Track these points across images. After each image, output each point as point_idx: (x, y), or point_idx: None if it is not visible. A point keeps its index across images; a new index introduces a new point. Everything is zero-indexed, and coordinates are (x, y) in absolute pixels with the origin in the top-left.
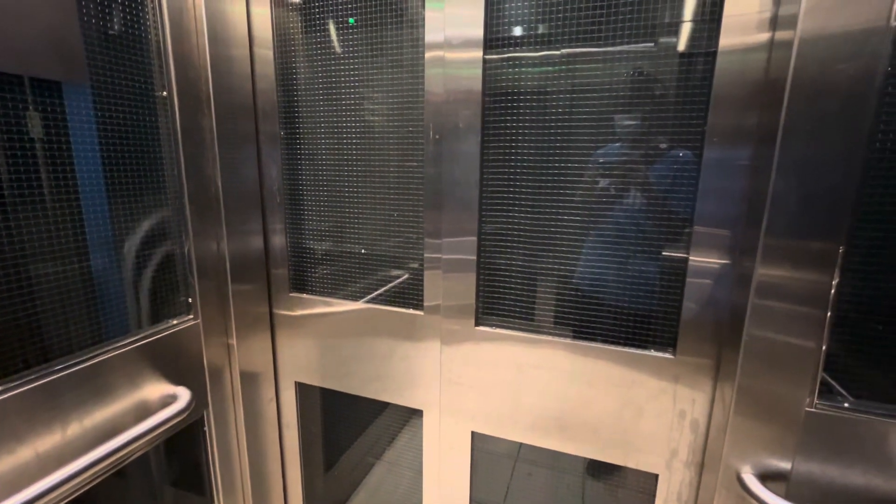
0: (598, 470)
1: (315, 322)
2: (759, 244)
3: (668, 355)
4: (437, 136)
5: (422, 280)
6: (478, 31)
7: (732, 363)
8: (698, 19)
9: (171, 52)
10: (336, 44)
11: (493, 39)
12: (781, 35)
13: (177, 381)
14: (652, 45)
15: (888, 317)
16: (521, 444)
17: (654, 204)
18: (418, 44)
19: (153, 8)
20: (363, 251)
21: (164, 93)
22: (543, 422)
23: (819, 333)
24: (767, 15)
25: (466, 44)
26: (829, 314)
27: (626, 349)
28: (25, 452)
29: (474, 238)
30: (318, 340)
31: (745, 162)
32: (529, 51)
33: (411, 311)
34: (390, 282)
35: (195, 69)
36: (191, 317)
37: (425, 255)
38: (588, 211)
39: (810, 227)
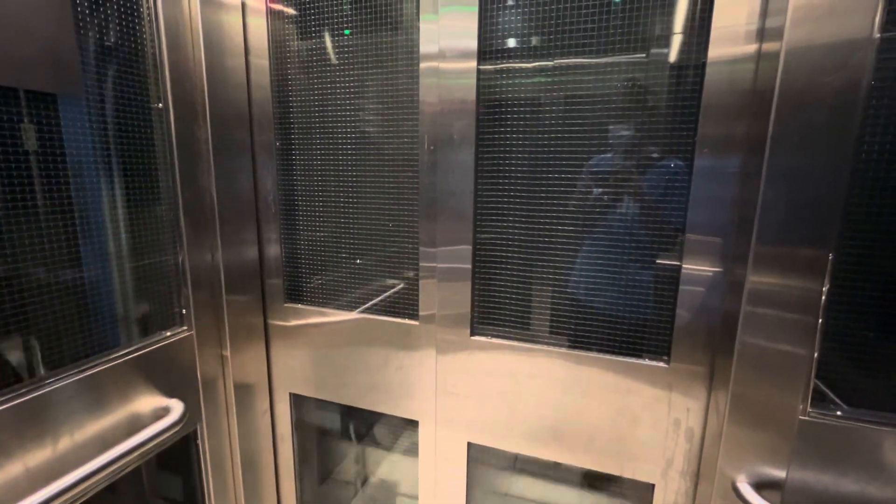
0: (595, 480)
1: (310, 332)
2: (750, 252)
3: (661, 364)
4: (432, 147)
5: (417, 289)
6: (472, 43)
7: (726, 371)
8: (688, 31)
9: (167, 63)
10: (331, 54)
11: (487, 50)
12: (768, 46)
13: (170, 393)
14: (643, 55)
15: (879, 324)
16: (516, 455)
17: (647, 213)
18: (413, 55)
19: (149, 20)
20: (358, 261)
21: (160, 104)
22: (539, 431)
23: (811, 341)
24: (755, 27)
25: (461, 55)
26: (820, 321)
27: (621, 358)
28: (15, 468)
29: (469, 247)
30: (312, 351)
31: (735, 171)
32: (523, 62)
33: (407, 320)
34: (385, 291)
35: (191, 80)
36: (184, 328)
37: (420, 264)
38: (582, 220)
39: (800, 234)
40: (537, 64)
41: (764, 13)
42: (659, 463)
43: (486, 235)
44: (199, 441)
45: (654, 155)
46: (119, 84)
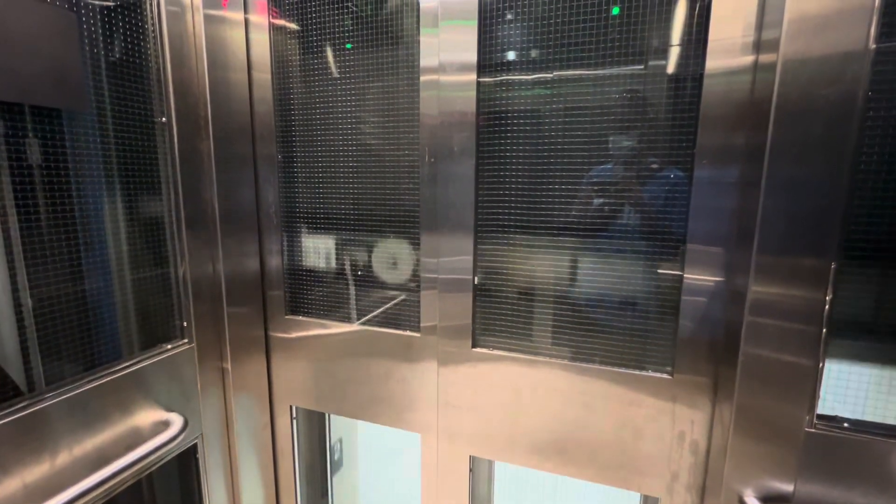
0: None
1: (311, 344)
2: (751, 262)
3: (665, 375)
4: (433, 160)
5: (418, 301)
6: (471, 56)
7: (730, 382)
8: (685, 43)
9: (170, 78)
10: (333, 68)
11: (487, 64)
12: (765, 58)
13: (169, 407)
14: (641, 67)
15: (884, 332)
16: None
17: (648, 223)
18: (414, 68)
19: (154, 36)
20: (360, 272)
21: (164, 118)
22: (542, 445)
23: (815, 351)
24: (751, 39)
25: (460, 67)
26: (824, 331)
27: (624, 369)
28: (12, 483)
29: (470, 258)
30: (313, 363)
31: (734, 181)
32: (522, 74)
33: (408, 332)
34: (387, 303)
35: (194, 95)
36: (185, 341)
37: (422, 275)
38: (583, 230)
39: (801, 244)
40: (537, 76)
41: (760, 26)
42: (664, 477)
43: (487, 246)
44: (198, 455)
45: (654, 165)
46: (123, 99)
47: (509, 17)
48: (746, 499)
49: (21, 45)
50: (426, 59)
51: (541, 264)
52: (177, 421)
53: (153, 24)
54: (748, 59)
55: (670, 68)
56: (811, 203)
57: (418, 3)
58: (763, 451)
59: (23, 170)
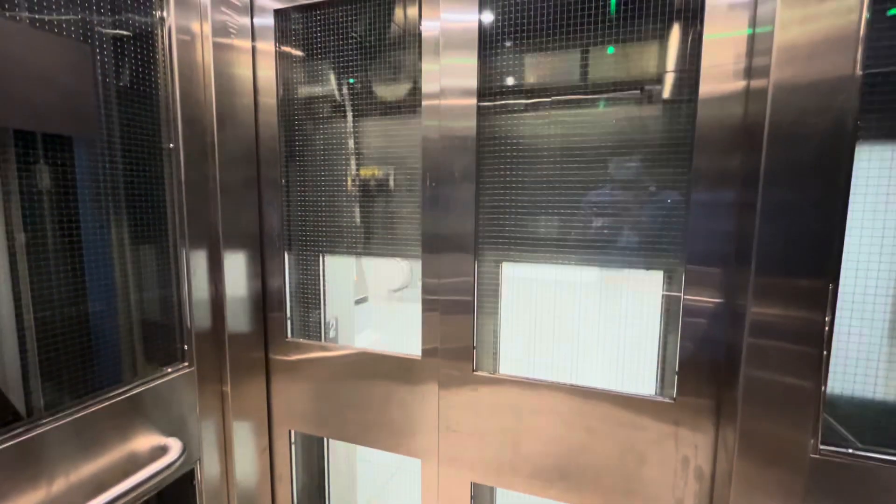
0: None
1: (311, 367)
2: (749, 283)
3: (667, 399)
4: (434, 184)
5: (419, 322)
6: (471, 82)
7: (732, 406)
8: (679, 70)
9: (179, 105)
10: (337, 93)
11: (486, 89)
12: (756, 84)
13: (168, 431)
14: (637, 92)
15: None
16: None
17: (647, 244)
18: (415, 94)
19: (164, 64)
20: (362, 295)
21: (171, 144)
22: (544, 470)
23: (817, 373)
24: (742, 66)
25: (461, 93)
26: (825, 353)
27: (626, 392)
28: None
29: (472, 279)
30: (313, 386)
31: (731, 203)
32: (522, 98)
33: (409, 355)
34: (389, 324)
35: (201, 121)
36: (185, 364)
37: (423, 296)
38: (582, 251)
39: (798, 266)
40: (535, 101)
41: (751, 53)
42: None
43: (487, 268)
44: (195, 481)
45: (651, 188)
46: (133, 126)
47: (508, 43)
48: None
49: (36, 76)
50: (427, 86)
51: (541, 285)
52: (175, 446)
53: (164, 53)
54: (740, 84)
55: (665, 94)
56: (807, 226)
57: (420, 31)
58: (768, 477)
59: (32, 195)
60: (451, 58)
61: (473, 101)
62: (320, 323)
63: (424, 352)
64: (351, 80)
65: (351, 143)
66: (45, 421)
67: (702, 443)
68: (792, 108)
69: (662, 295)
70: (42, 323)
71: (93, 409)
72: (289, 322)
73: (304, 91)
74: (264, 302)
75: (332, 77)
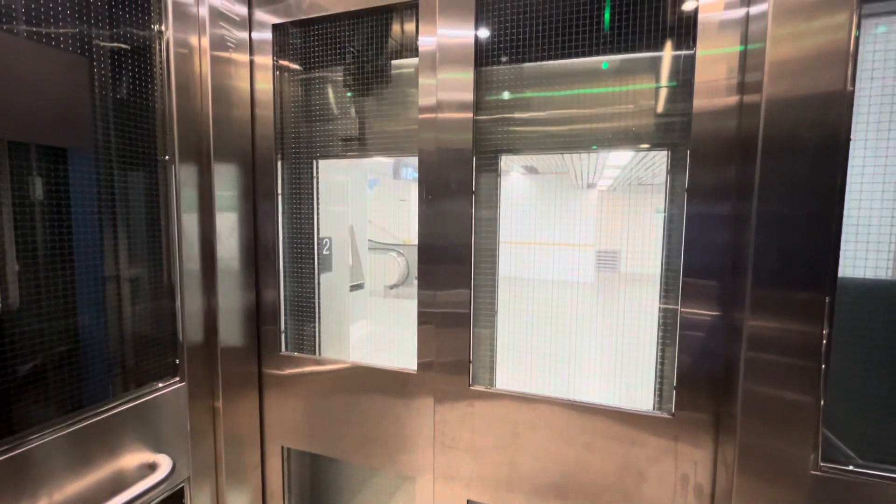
0: None
1: (305, 382)
2: (746, 296)
3: (665, 414)
4: (430, 196)
5: (414, 335)
6: (468, 96)
7: (731, 421)
8: (673, 84)
9: (175, 117)
10: (334, 107)
11: (483, 102)
12: (749, 98)
13: (157, 448)
14: (632, 107)
15: (885, 370)
16: None
17: (638, 257)
18: (412, 108)
19: (161, 77)
20: (357, 307)
21: (167, 157)
22: (542, 488)
23: (815, 387)
24: (735, 81)
25: (458, 107)
26: (823, 367)
27: (624, 408)
28: None
29: (468, 290)
30: (307, 401)
31: (726, 216)
32: (518, 112)
33: (404, 369)
34: (383, 338)
35: (198, 133)
36: (176, 379)
37: (418, 309)
38: (584, 263)
39: (794, 279)
40: (531, 115)
41: (743, 68)
42: None
43: (483, 279)
44: (184, 500)
45: (645, 200)
46: (129, 137)
47: (504, 59)
48: None
49: (32, 88)
50: (424, 99)
51: (539, 298)
52: (165, 463)
53: (161, 66)
54: (733, 99)
55: (660, 108)
56: (803, 239)
57: (417, 46)
58: (769, 493)
59: (24, 206)
60: (447, 72)
61: (470, 114)
62: (315, 336)
63: (420, 365)
64: (349, 94)
65: (347, 155)
66: (30, 438)
67: (701, 459)
68: (785, 123)
69: (659, 308)
70: (29, 336)
71: (80, 426)
72: (283, 335)
73: (301, 104)
74: (258, 315)
75: (330, 90)
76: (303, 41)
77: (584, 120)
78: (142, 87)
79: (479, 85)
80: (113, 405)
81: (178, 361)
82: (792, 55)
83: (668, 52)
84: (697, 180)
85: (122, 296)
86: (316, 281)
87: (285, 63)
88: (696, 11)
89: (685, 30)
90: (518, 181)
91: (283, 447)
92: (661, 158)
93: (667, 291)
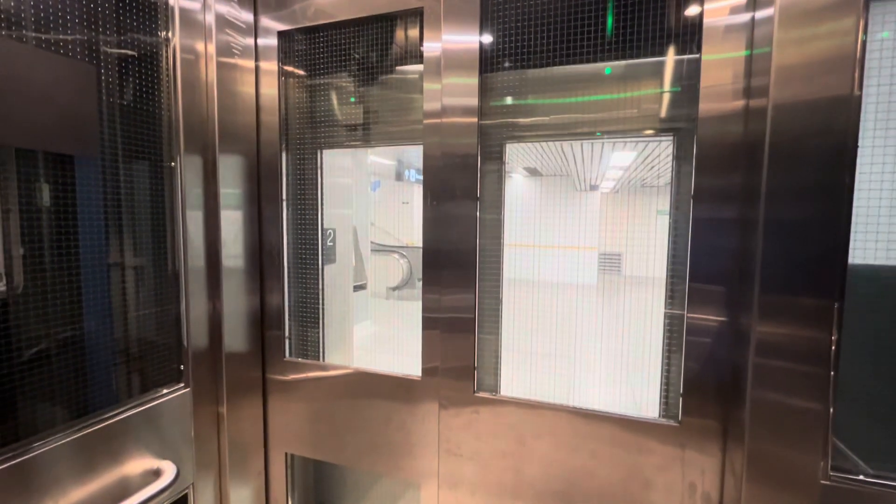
0: None
1: (309, 387)
2: (754, 302)
3: (672, 421)
4: (435, 202)
5: (416, 337)
6: (472, 101)
7: (739, 428)
8: (678, 90)
9: (181, 124)
10: (338, 113)
11: (488, 108)
12: (756, 103)
13: (162, 454)
14: (635, 111)
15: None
16: None
17: (645, 262)
18: (417, 113)
19: (168, 84)
20: (359, 308)
21: (173, 163)
22: (547, 496)
23: (825, 394)
24: (741, 86)
25: (462, 112)
26: (832, 373)
27: (629, 415)
28: None
29: (473, 296)
30: (311, 407)
31: (733, 221)
32: (522, 117)
33: (409, 375)
34: (385, 339)
35: (203, 140)
36: (181, 385)
37: (423, 315)
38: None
39: (803, 284)
40: (536, 119)
41: (749, 73)
42: None
43: (488, 284)
44: None
45: (650, 205)
46: (135, 144)
47: (507, 64)
48: None
49: (40, 96)
50: (429, 104)
51: (542, 302)
52: (169, 469)
53: (168, 73)
54: (739, 104)
55: (664, 113)
56: (811, 245)
57: (422, 51)
58: (778, 503)
59: (31, 212)
60: (452, 77)
61: (475, 119)
62: (319, 341)
63: (424, 371)
64: (352, 99)
65: (350, 160)
66: (35, 445)
67: (709, 467)
68: (792, 127)
69: (666, 314)
70: (36, 342)
71: (85, 432)
72: (287, 341)
73: (306, 109)
74: (262, 321)
75: (334, 96)
76: (308, 48)
77: (588, 111)
78: (149, 94)
79: (484, 90)
80: (118, 411)
81: (182, 367)
82: (798, 60)
83: (671, 57)
84: (704, 185)
85: (128, 302)
86: (320, 284)
87: (290, 69)
88: (700, 16)
89: (690, 35)
90: (521, 183)
91: (286, 453)
92: (665, 162)
93: (672, 296)
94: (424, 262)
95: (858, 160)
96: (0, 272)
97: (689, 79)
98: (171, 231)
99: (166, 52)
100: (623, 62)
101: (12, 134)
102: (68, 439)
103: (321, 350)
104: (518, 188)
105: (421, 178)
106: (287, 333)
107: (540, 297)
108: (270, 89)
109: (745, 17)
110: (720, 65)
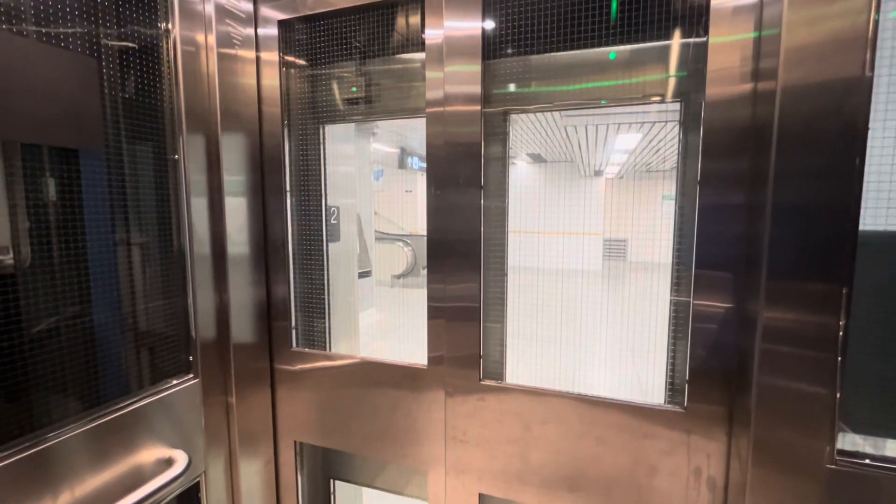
0: None
1: (316, 377)
2: (761, 288)
3: (678, 408)
4: (438, 192)
5: (421, 324)
6: (476, 89)
7: (745, 414)
8: (684, 73)
9: (184, 116)
10: (340, 103)
11: (491, 96)
12: (764, 86)
13: (173, 443)
14: (640, 96)
15: None
16: None
17: (652, 246)
18: (419, 102)
19: (169, 76)
20: (368, 303)
21: (176, 156)
22: (554, 481)
23: (832, 380)
24: (749, 68)
25: (465, 100)
26: (839, 359)
27: (635, 401)
28: None
29: (478, 284)
30: (318, 396)
31: (740, 206)
32: (527, 104)
33: (415, 363)
34: (394, 332)
35: (206, 132)
36: (190, 375)
37: (428, 304)
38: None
39: (811, 270)
40: (541, 106)
41: (758, 55)
42: None
43: (493, 272)
44: (200, 494)
45: (655, 190)
46: (138, 137)
47: (510, 51)
48: None
49: (43, 90)
50: (431, 93)
51: (548, 290)
52: (181, 458)
53: (169, 65)
54: (747, 87)
55: (670, 96)
56: (819, 229)
57: (423, 39)
58: (783, 488)
59: (38, 205)
60: (454, 65)
61: (478, 107)
62: (325, 331)
63: (430, 360)
64: (353, 89)
65: (355, 150)
66: (50, 435)
67: (714, 452)
68: (801, 110)
69: (671, 300)
70: (48, 334)
71: (98, 423)
72: (294, 331)
73: (307, 99)
74: (269, 312)
75: (336, 86)
76: (308, 37)
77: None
78: (151, 87)
79: (487, 77)
80: (130, 401)
81: (191, 358)
82: (808, 41)
83: (677, 41)
84: (710, 170)
85: (136, 294)
86: (325, 273)
87: (291, 59)
88: None
89: (697, 17)
90: (525, 170)
91: (295, 441)
92: (671, 146)
93: (678, 283)
94: (429, 251)
95: (869, 143)
96: (11, 265)
97: (695, 62)
98: (176, 222)
99: (167, 43)
100: (628, 47)
101: (15, 130)
102: (83, 429)
103: (328, 340)
104: (522, 175)
105: (424, 165)
106: (293, 324)
107: (545, 285)
108: (272, 80)
109: None
110: (728, 47)
